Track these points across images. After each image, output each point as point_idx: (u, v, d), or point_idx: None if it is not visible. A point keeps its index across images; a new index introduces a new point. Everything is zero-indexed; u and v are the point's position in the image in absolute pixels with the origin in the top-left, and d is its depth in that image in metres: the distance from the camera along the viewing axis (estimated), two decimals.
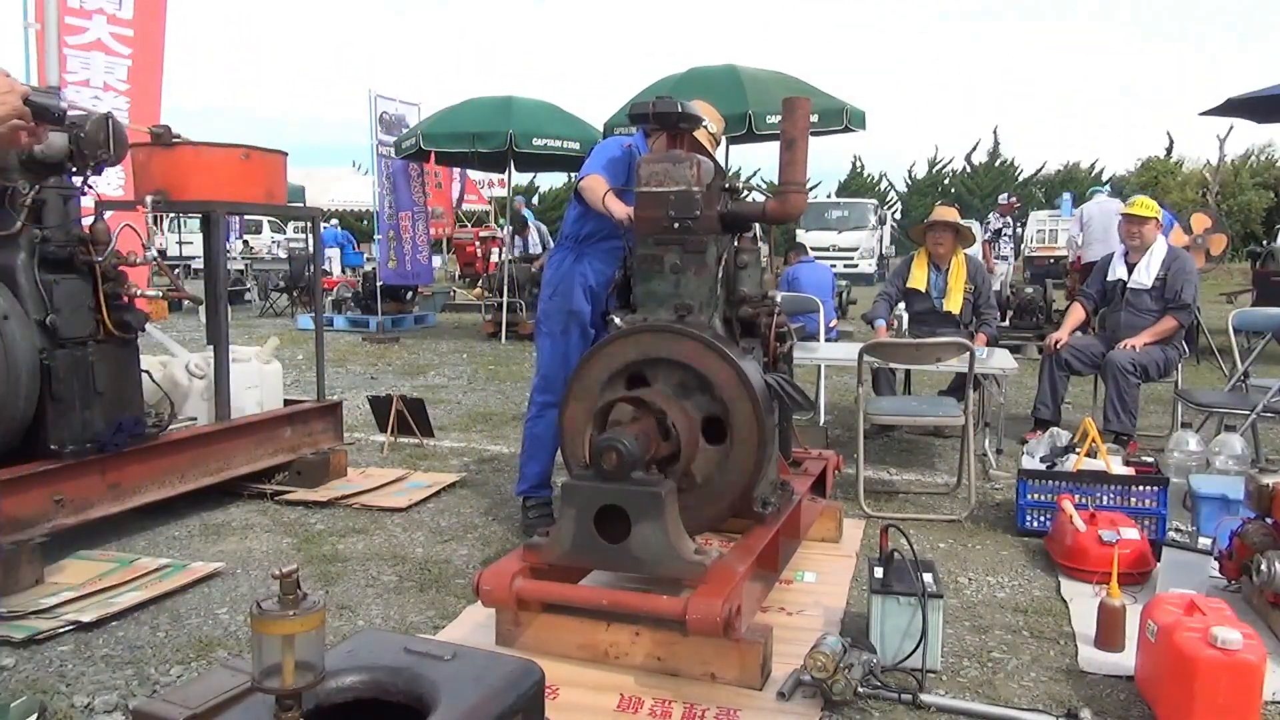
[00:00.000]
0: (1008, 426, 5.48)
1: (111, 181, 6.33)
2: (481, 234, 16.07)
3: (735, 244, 3.03)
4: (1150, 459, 4.02)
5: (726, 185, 2.95)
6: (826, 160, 49.48)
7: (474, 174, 17.19)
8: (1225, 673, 2.21)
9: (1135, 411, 4.95)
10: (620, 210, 3.25)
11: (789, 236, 18.18)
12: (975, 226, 12.24)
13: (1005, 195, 15.88)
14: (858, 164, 35.79)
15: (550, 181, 32.52)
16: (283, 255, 18.40)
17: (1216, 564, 3.11)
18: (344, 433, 4.96)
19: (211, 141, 4.25)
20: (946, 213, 5.90)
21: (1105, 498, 3.70)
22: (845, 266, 20.87)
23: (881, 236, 25.23)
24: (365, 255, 19.28)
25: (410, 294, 12.80)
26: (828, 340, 6.49)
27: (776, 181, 3.00)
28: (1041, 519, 3.77)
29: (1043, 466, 3.90)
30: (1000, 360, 4.89)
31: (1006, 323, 9.36)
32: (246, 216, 21.23)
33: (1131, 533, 3.32)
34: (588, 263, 3.70)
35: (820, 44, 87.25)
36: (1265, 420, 4.67)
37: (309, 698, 1.48)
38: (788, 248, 10.89)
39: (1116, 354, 5.01)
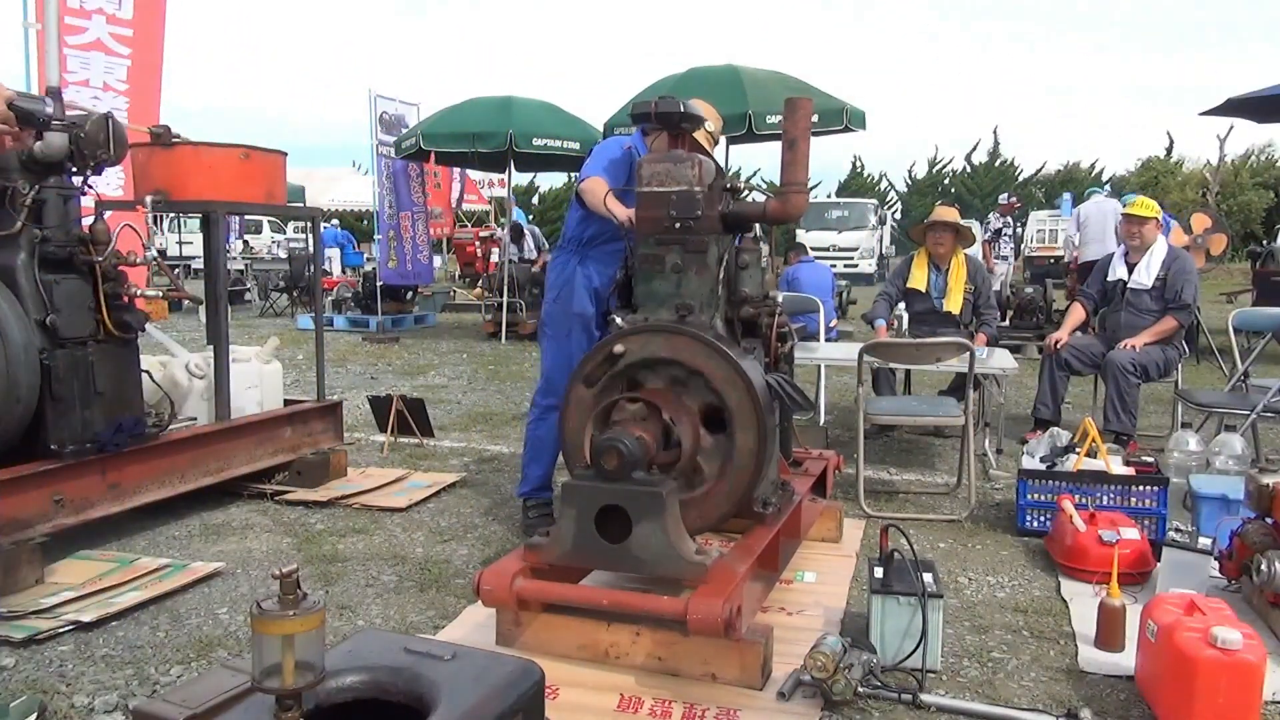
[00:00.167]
0: (1008, 426, 5.48)
1: (111, 181, 6.33)
2: (481, 234, 16.07)
3: (736, 244, 3.03)
4: (1150, 459, 4.02)
5: (728, 185, 2.95)
6: (826, 160, 49.51)
7: (474, 174, 17.20)
8: (1225, 673, 2.21)
9: (1135, 411, 4.95)
10: (622, 213, 3.25)
11: (789, 236, 18.19)
12: (975, 226, 12.24)
13: (1005, 195, 15.87)
14: (858, 164, 35.83)
15: (550, 181, 32.52)
16: (283, 255, 18.39)
17: (1216, 564, 3.11)
18: (344, 433, 4.96)
19: (211, 141, 4.25)
20: (946, 213, 5.90)
21: (1105, 498, 3.70)
22: (845, 266, 20.87)
23: (881, 236, 25.21)
24: (365, 255, 19.28)
25: (410, 294, 12.80)
26: (828, 340, 6.49)
27: (777, 181, 3.00)
28: (1041, 519, 3.77)
29: (1043, 466, 3.90)
30: (1000, 360, 4.89)
31: (1006, 323, 9.35)
32: (246, 216, 21.23)
33: (1131, 533, 3.32)
34: (592, 265, 3.70)
35: (820, 44, 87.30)
36: (1265, 420, 4.66)
37: (309, 698, 1.48)
38: (788, 248, 10.89)
39: (1116, 354, 5.01)
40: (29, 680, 2.54)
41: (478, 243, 15.81)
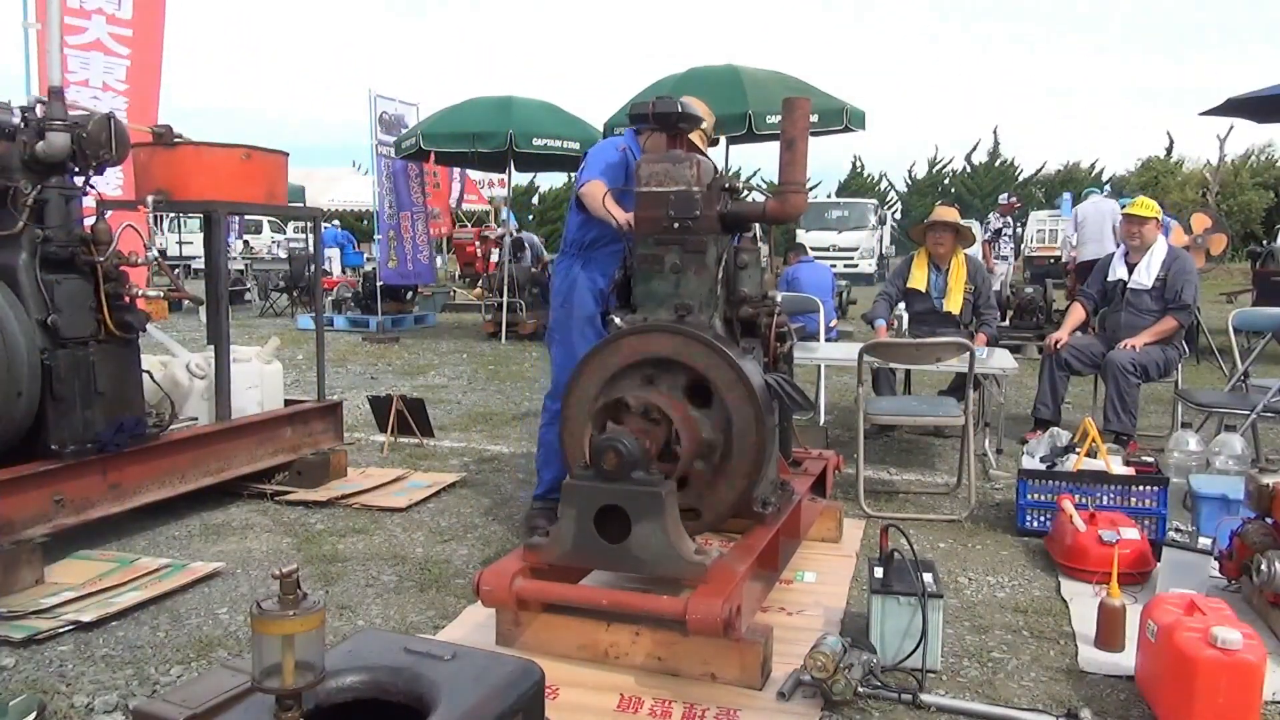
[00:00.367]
0: (1008, 426, 5.48)
1: (112, 181, 6.33)
2: (482, 234, 16.07)
3: (735, 244, 3.03)
4: (1150, 459, 4.02)
5: (726, 185, 2.95)
6: (826, 160, 49.49)
7: (474, 174, 17.19)
8: (1225, 673, 2.21)
9: (1135, 411, 4.95)
10: (621, 216, 3.26)
11: (789, 236, 18.19)
12: (975, 226, 12.24)
13: (1005, 195, 15.88)
14: (858, 164, 35.83)
15: (550, 181, 32.50)
16: (283, 255, 18.40)
17: (1216, 564, 3.11)
18: (344, 433, 4.96)
19: (212, 141, 4.25)
20: (946, 213, 5.90)
21: (1105, 498, 3.70)
22: (845, 266, 20.85)
23: (881, 236, 25.20)
24: (365, 255, 19.28)
25: (410, 294, 12.80)
26: (828, 340, 6.49)
27: (776, 181, 3.01)
28: (1041, 519, 3.77)
29: (1043, 466, 3.90)
30: (1000, 360, 4.89)
31: (1006, 323, 9.35)
32: (247, 216, 21.23)
33: (1131, 533, 3.32)
34: (596, 268, 3.71)
35: (820, 44, 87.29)
36: (1265, 420, 4.66)
37: (309, 698, 1.49)
38: (787, 248, 10.89)
39: (1116, 354, 5.01)
40: (29, 680, 2.54)
41: (478, 243, 15.81)
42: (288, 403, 4.71)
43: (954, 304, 5.66)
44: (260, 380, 4.51)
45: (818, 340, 6.16)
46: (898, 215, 32.44)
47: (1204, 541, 3.27)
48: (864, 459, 4.29)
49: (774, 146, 3.02)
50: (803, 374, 4.37)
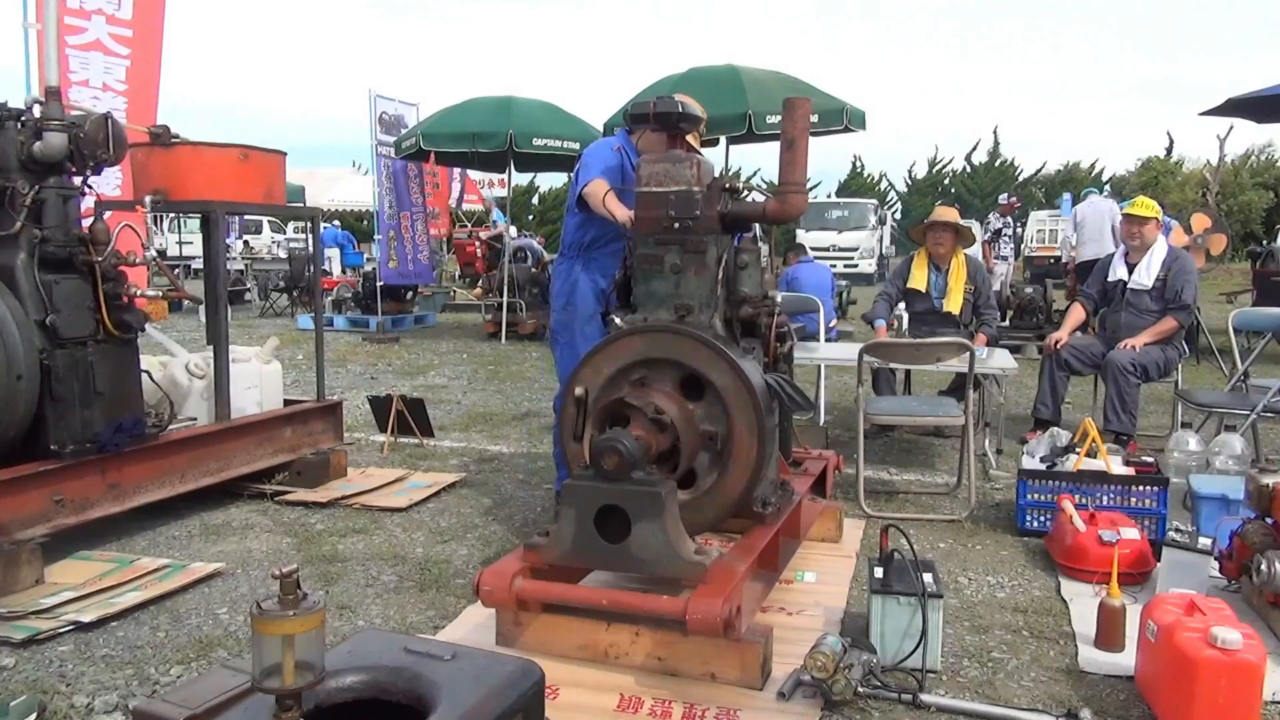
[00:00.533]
0: (1008, 426, 5.48)
1: (110, 181, 6.33)
2: (481, 234, 16.06)
3: (735, 244, 3.03)
4: (1150, 459, 4.02)
5: (727, 185, 2.95)
6: (826, 160, 49.52)
7: (474, 174, 17.19)
8: (1225, 673, 2.21)
9: (1135, 411, 4.95)
10: (622, 214, 3.26)
11: (789, 237, 18.18)
12: (975, 226, 12.24)
13: (1005, 195, 15.87)
14: (858, 164, 35.85)
15: (550, 181, 32.50)
16: (283, 255, 18.39)
17: (1216, 564, 3.11)
18: (344, 433, 4.96)
19: (210, 141, 4.25)
20: (946, 213, 5.90)
21: (1105, 498, 3.70)
22: (845, 266, 20.85)
23: (881, 236, 25.19)
24: (365, 255, 19.27)
25: (410, 294, 12.80)
26: (828, 340, 6.49)
27: (777, 181, 3.00)
28: (1041, 519, 3.77)
29: (1043, 466, 3.90)
30: (1000, 360, 4.89)
31: (1006, 323, 9.35)
32: (246, 216, 21.22)
33: (1131, 533, 3.32)
34: (597, 268, 3.71)
35: (820, 44, 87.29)
36: (1265, 420, 4.67)
37: (309, 698, 1.48)
38: (787, 248, 10.89)
39: (1116, 354, 5.01)
40: (29, 680, 2.54)
41: (478, 243, 15.81)
42: (287, 402, 4.70)
43: (954, 304, 5.65)
44: (259, 380, 4.51)
45: (818, 340, 6.16)
46: (898, 215, 32.46)
47: (1204, 541, 3.28)
48: (864, 459, 4.29)
49: (774, 146, 3.02)
50: (803, 374, 4.37)
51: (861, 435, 4.28)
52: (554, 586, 2.63)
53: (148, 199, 4.06)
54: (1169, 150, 31.13)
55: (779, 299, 3.17)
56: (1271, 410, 4.49)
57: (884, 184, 36.05)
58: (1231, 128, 16.60)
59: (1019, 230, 16.92)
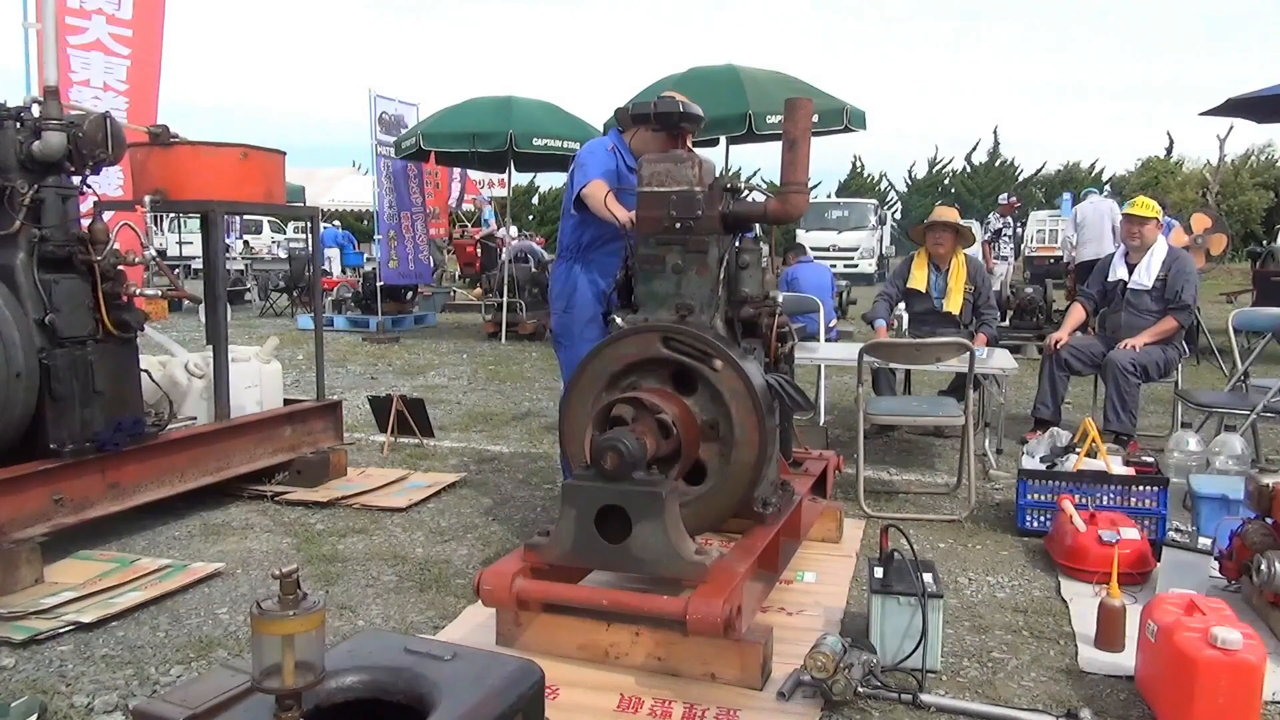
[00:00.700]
0: (1008, 426, 5.48)
1: (110, 181, 6.33)
2: (480, 235, 16.07)
3: (737, 244, 3.02)
4: (1150, 459, 4.02)
5: (728, 185, 2.95)
6: (826, 160, 49.44)
7: (474, 174, 17.18)
8: (1225, 673, 2.21)
9: (1135, 411, 4.95)
10: (623, 215, 3.26)
11: (789, 237, 18.18)
12: (975, 226, 12.24)
13: (1005, 195, 15.88)
14: (858, 164, 35.86)
15: (550, 181, 32.52)
16: (283, 255, 18.39)
17: (1216, 564, 3.11)
18: (344, 433, 4.96)
19: (210, 141, 4.25)
20: (946, 213, 5.90)
21: (1105, 498, 3.70)
22: (845, 266, 20.85)
23: (881, 236, 25.20)
24: (365, 255, 19.27)
25: (410, 294, 12.80)
26: (828, 340, 6.49)
27: (777, 181, 3.00)
28: (1041, 519, 3.77)
29: (1043, 466, 3.90)
30: (1000, 360, 4.89)
31: (1006, 323, 9.35)
32: (246, 216, 21.23)
33: (1131, 533, 3.32)
34: (595, 268, 3.71)
35: (820, 44, 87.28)
36: (1265, 420, 4.66)
37: (309, 698, 1.48)
38: (787, 248, 10.89)
39: (1116, 354, 5.01)
40: (29, 680, 2.54)
41: (478, 243, 15.81)
42: (287, 402, 4.71)
43: (954, 304, 5.65)
44: (259, 380, 4.51)
45: (818, 340, 6.16)
46: (898, 215, 32.46)
47: (1204, 541, 3.28)
48: (864, 459, 4.29)
49: (774, 146, 3.03)
50: (803, 374, 4.37)
51: (861, 435, 4.28)
52: (554, 586, 2.62)
53: (147, 199, 4.06)
54: (1169, 150, 31.19)
55: (779, 299, 3.18)
56: (1271, 410, 4.49)
57: (884, 184, 36.07)
58: (1231, 128, 16.66)
59: (1019, 230, 16.92)
